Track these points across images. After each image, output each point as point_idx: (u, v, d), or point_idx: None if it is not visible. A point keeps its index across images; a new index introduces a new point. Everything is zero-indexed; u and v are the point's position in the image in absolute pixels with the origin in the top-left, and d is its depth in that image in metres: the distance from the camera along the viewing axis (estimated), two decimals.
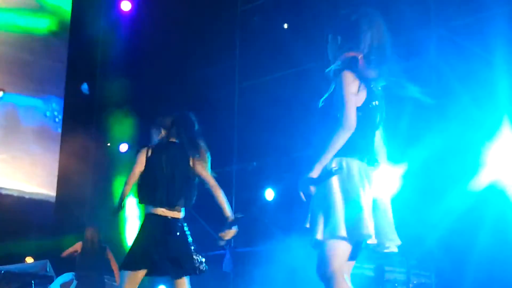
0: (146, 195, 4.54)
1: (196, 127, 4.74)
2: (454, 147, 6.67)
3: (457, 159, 6.71)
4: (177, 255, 4.44)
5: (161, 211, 4.49)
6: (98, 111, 10.55)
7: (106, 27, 10.75)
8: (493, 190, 6.67)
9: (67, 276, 7.88)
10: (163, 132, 4.73)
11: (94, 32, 10.62)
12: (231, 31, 9.58)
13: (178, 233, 4.49)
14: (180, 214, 4.56)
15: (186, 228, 4.60)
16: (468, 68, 6.59)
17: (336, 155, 3.22)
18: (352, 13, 3.36)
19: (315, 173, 3.20)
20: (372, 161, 3.30)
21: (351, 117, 3.16)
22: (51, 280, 7.94)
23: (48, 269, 8.07)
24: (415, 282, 6.96)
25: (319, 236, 3.18)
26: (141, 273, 4.42)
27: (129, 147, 10.49)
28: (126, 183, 4.62)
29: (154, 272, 4.48)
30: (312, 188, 3.23)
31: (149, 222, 4.51)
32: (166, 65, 9.74)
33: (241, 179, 9.04)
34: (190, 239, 4.59)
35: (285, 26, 9.45)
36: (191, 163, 4.62)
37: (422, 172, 6.82)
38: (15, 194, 9.55)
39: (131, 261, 4.43)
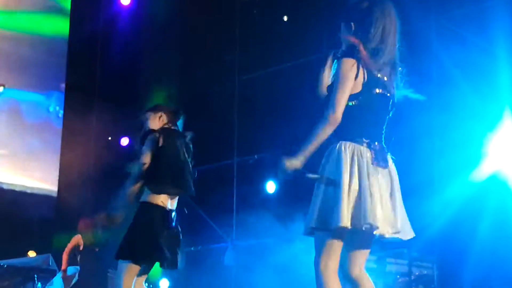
0: (170, 182, 4.42)
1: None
2: (455, 138, 6.66)
3: (458, 150, 6.70)
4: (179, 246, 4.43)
5: (165, 201, 4.41)
6: (99, 106, 10.54)
7: (106, 22, 10.73)
8: (495, 181, 6.67)
9: (69, 270, 7.88)
10: (165, 119, 4.64)
11: (94, 26, 10.60)
12: (231, 24, 9.55)
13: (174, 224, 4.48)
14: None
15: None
16: (469, 58, 6.57)
17: (336, 139, 3.18)
18: (363, 0, 3.33)
19: (296, 163, 3.13)
20: (376, 151, 3.18)
21: (337, 112, 3.11)
22: (53, 274, 7.93)
23: (50, 263, 8.07)
24: (417, 273, 6.97)
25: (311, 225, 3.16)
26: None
27: (130, 141, 10.48)
28: (137, 179, 4.49)
29: (166, 266, 4.41)
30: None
31: (157, 213, 4.41)
32: (166, 59, 9.73)
33: (242, 172, 9.04)
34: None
35: (285, 18, 9.43)
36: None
37: (423, 163, 6.82)
38: (17, 189, 9.56)
39: (142, 253, 4.34)
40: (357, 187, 3.10)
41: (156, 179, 4.44)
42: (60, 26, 10.37)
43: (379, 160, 3.17)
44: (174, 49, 9.71)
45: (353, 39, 3.24)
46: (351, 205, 3.08)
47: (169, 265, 4.41)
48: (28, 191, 9.65)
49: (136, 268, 4.36)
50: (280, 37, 8.98)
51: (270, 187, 9.03)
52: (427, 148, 6.89)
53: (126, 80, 10.23)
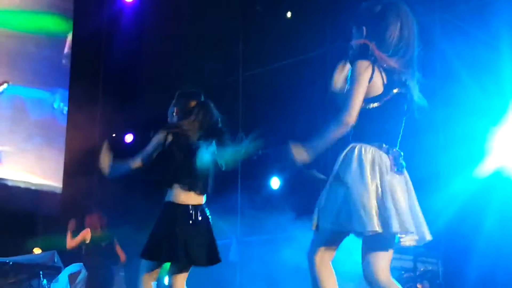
0: (186, 180, 4.34)
1: (216, 115, 4.61)
2: (459, 133, 6.65)
3: (462, 145, 6.69)
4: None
5: (186, 198, 4.33)
6: (103, 102, 10.56)
7: (109, 18, 10.74)
8: (499, 176, 6.66)
9: (74, 267, 7.90)
10: (177, 113, 4.54)
11: (98, 23, 10.61)
12: (234, 20, 9.55)
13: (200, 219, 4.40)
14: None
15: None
16: (473, 53, 6.55)
17: (353, 140, 3.15)
18: (375, 4, 3.24)
19: (305, 156, 3.10)
20: (395, 156, 3.14)
21: (352, 115, 3.07)
22: (59, 271, 7.96)
23: (55, 260, 8.10)
24: (422, 269, 6.96)
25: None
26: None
27: (134, 137, 10.50)
28: (139, 159, 4.43)
29: (192, 263, 4.33)
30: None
31: (178, 211, 4.31)
32: (170, 55, 9.73)
33: (246, 168, 9.04)
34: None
35: (288, 14, 9.42)
36: None
37: (427, 158, 6.81)
38: (22, 185, 9.57)
39: (163, 252, 4.24)
40: (380, 192, 3.07)
41: (165, 176, 4.42)
42: (64, 24, 10.38)
43: (397, 166, 3.14)
44: (177, 46, 9.71)
45: (365, 41, 3.18)
46: (376, 210, 3.05)
47: (194, 262, 4.32)
48: (33, 187, 9.67)
49: (156, 266, 4.31)
50: (284, 34, 8.97)
51: (275, 182, 9.03)
52: (431, 144, 6.88)
53: (130, 77, 10.25)
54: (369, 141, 3.14)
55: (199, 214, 4.36)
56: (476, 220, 6.57)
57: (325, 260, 3.18)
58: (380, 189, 3.07)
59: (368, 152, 3.11)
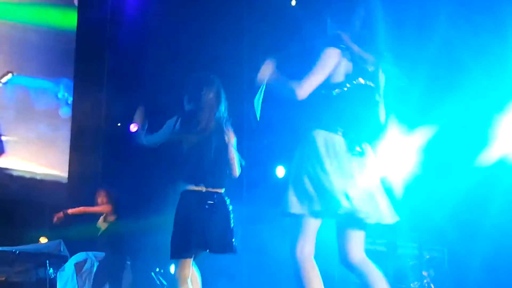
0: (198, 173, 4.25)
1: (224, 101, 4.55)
2: (465, 120, 6.64)
3: (467, 132, 6.68)
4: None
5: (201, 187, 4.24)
6: (108, 92, 10.56)
7: (114, 7, 10.72)
8: (504, 164, 6.64)
9: (81, 256, 7.92)
10: (189, 100, 4.44)
11: (102, 12, 10.59)
12: (239, 7, 9.52)
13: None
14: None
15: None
16: (479, 40, 6.52)
17: (314, 124, 3.30)
18: None
19: (266, 74, 3.41)
20: (351, 139, 3.27)
21: (304, 88, 3.23)
22: (65, 260, 7.98)
23: (62, 249, 8.12)
24: (427, 257, 6.97)
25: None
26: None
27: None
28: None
29: (209, 251, 4.23)
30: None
31: (191, 199, 4.21)
32: (175, 44, 9.71)
33: (251, 157, 9.04)
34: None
35: (293, 3, 9.39)
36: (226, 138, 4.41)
37: (432, 146, 6.80)
38: (27, 175, 9.59)
39: (180, 247, 4.14)
40: (336, 173, 3.18)
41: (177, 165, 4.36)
42: (68, 13, 10.37)
43: (354, 149, 3.23)
44: (182, 34, 9.69)
45: (338, 32, 3.33)
46: (332, 189, 3.17)
47: (214, 249, 4.20)
48: (38, 177, 9.69)
49: (186, 260, 4.17)
50: (288, 22, 8.95)
51: (280, 171, 9.04)
52: (437, 131, 6.86)
53: (135, 66, 10.23)
54: (327, 126, 3.27)
55: (216, 200, 4.25)
56: (481, 208, 6.57)
57: (305, 251, 3.24)
58: (333, 169, 3.19)
59: (321, 137, 3.26)
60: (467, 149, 6.70)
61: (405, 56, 6.38)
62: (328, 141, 3.23)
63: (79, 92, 10.17)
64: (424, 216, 6.77)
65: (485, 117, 6.68)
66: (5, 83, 9.56)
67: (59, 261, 7.95)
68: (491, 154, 6.68)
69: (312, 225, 3.23)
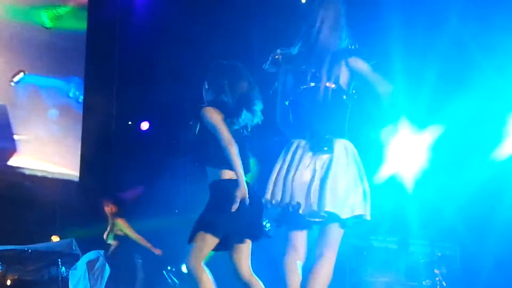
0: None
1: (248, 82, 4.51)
2: (476, 117, 6.61)
3: (478, 129, 6.65)
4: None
5: (228, 173, 3.98)
6: (119, 90, 10.58)
7: (123, 6, 10.74)
8: None
9: (92, 254, 7.94)
10: (208, 89, 4.23)
11: (112, 10, 10.62)
12: (248, 1, 9.49)
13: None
14: None
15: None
16: (490, 37, 6.49)
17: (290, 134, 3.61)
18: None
19: None
20: (314, 142, 3.45)
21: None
22: (77, 258, 8.01)
23: (74, 248, 8.14)
24: (439, 254, 6.95)
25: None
26: None
27: (150, 125, 10.52)
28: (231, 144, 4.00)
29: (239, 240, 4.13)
30: None
31: (222, 188, 3.96)
32: (184, 42, 9.71)
33: (261, 154, 9.04)
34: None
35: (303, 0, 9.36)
36: None
37: (444, 143, 6.78)
38: (39, 174, 9.63)
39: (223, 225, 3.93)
40: (288, 169, 3.51)
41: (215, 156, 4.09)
42: (79, 12, 10.40)
43: (318, 148, 3.42)
44: (191, 31, 9.69)
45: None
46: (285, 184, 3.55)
47: (246, 237, 4.09)
48: (50, 176, 9.72)
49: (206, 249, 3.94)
50: (296, 18, 8.92)
51: None
52: (449, 128, 6.84)
53: (145, 64, 10.25)
54: (296, 131, 3.56)
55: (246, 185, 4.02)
56: (493, 205, 6.54)
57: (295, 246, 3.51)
58: (288, 166, 3.51)
59: (293, 144, 3.56)
60: (479, 147, 6.67)
61: (416, 54, 6.40)
62: (299, 144, 3.50)
63: (89, 91, 10.20)
64: (436, 214, 6.75)
65: (497, 115, 6.65)
66: (17, 82, 9.60)
67: (71, 259, 7.97)
68: (503, 152, 6.65)
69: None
